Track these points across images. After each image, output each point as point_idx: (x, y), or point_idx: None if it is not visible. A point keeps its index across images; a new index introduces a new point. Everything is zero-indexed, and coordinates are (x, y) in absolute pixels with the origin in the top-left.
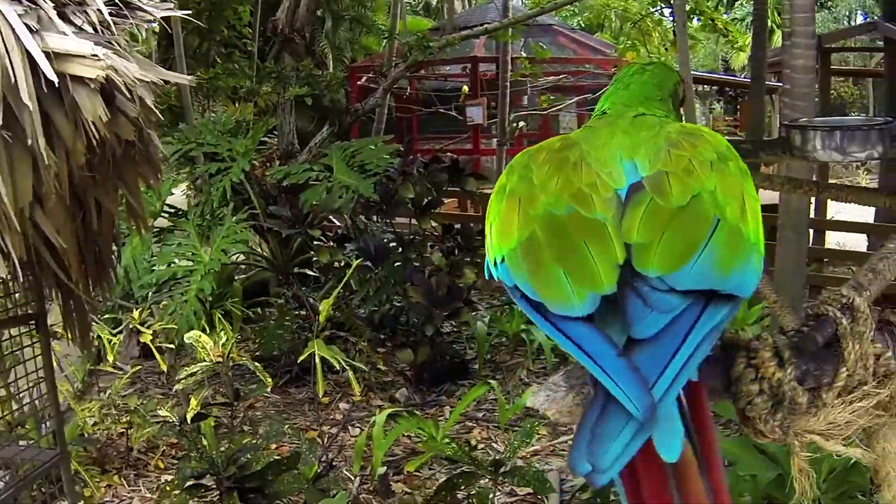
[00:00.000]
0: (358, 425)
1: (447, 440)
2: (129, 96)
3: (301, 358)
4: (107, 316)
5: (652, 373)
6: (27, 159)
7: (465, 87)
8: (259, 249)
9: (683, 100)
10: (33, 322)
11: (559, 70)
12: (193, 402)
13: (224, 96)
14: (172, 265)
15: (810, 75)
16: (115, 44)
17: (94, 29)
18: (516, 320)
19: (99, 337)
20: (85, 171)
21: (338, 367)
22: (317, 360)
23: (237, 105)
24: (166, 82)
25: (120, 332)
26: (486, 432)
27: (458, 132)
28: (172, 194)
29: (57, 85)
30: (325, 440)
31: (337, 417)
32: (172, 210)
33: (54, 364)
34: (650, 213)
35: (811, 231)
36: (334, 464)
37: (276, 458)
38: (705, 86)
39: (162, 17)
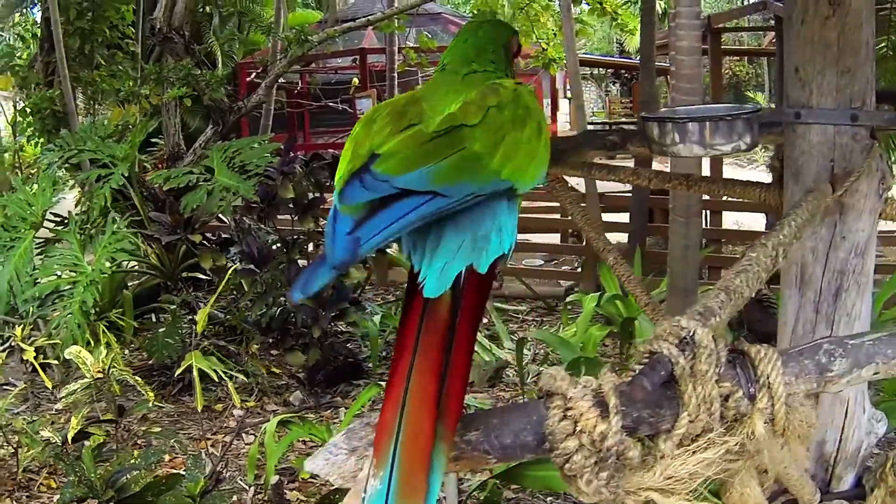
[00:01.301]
0: (252, 432)
1: None
2: None
3: (178, 371)
4: None
5: (364, 235)
6: None
7: (355, 80)
8: (148, 256)
9: (518, 51)
10: None
11: None
12: (74, 421)
13: (111, 99)
14: (55, 277)
15: (695, 56)
16: None
17: None
18: None
19: None
20: None
21: (216, 379)
22: (195, 372)
23: (123, 107)
24: (50, 84)
25: (5, 349)
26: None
27: (350, 125)
28: (54, 203)
29: None
30: (220, 450)
31: (231, 425)
32: (60, 218)
33: None
34: (409, 136)
35: (707, 212)
36: (228, 474)
37: (155, 477)
38: (601, 69)
39: (43, 19)
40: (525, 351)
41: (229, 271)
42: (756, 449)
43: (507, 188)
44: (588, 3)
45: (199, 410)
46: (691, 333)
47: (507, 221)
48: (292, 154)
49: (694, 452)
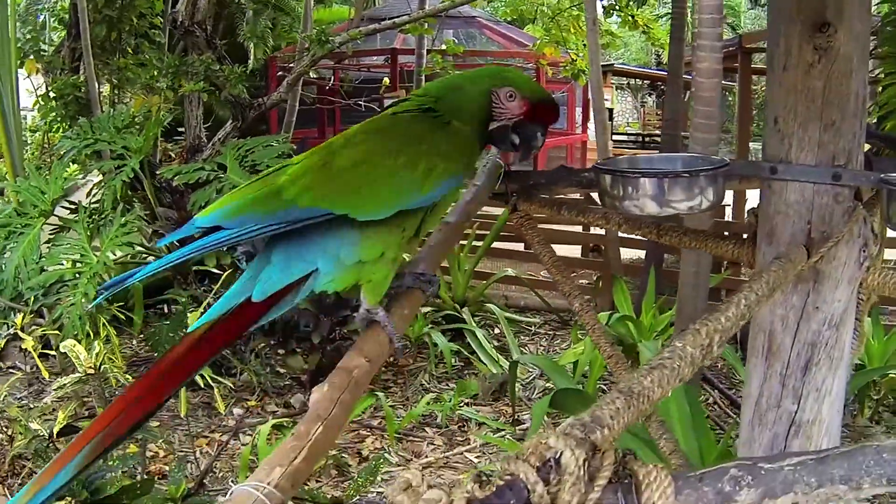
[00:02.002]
0: (250, 433)
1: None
2: None
3: None
4: None
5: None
6: None
7: (386, 80)
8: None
9: (493, 110)
10: None
11: (482, 62)
12: (61, 415)
13: (136, 88)
14: (61, 267)
15: (714, 79)
16: None
17: None
18: (418, 324)
19: None
20: None
21: (202, 386)
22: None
23: (148, 96)
24: (75, 70)
25: (8, 335)
26: (379, 441)
27: None
28: (79, 185)
29: None
30: (216, 448)
31: (230, 423)
32: (75, 205)
33: None
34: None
35: (727, 232)
36: (221, 475)
37: (132, 481)
38: (637, 79)
39: (71, 5)
40: (531, 367)
41: (225, 274)
42: None
43: (325, 214)
44: (619, 16)
45: (182, 416)
46: (557, 455)
47: (331, 247)
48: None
49: None
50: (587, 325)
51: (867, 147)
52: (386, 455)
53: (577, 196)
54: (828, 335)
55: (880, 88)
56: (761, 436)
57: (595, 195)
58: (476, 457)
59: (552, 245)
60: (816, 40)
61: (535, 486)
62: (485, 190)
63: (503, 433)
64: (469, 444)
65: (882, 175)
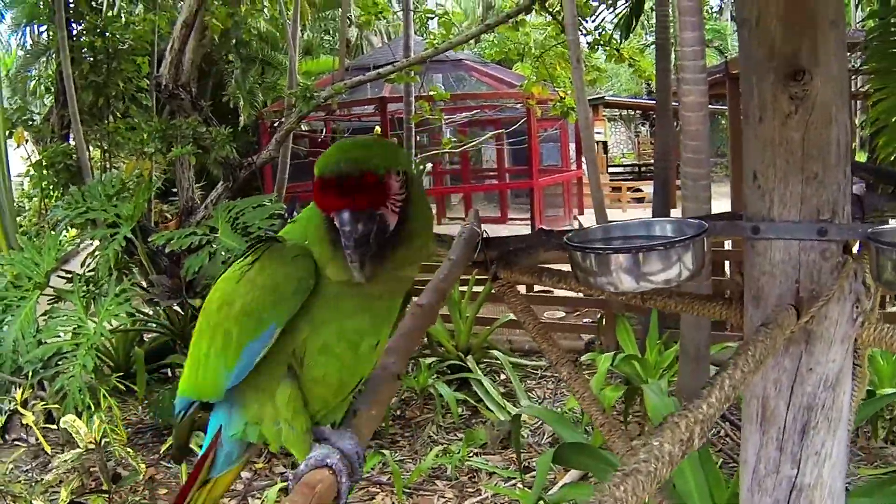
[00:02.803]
0: (258, 496)
1: None
2: None
3: (165, 446)
4: None
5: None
6: None
7: (377, 128)
8: (158, 315)
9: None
10: None
11: (473, 105)
12: (63, 493)
13: (125, 151)
14: (58, 339)
15: (701, 112)
16: None
17: None
18: (423, 374)
19: None
20: None
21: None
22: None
23: (138, 160)
24: (64, 137)
25: (8, 410)
26: (389, 498)
27: None
28: (74, 252)
29: None
30: None
31: (238, 487)
32: (71, 274)
33: None
34: None
35: (728, 262)
36: None
37: None
38: (630, 110)
39: (57, 72)
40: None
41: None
42: None
43: (192, 403)
44: (605, 51)
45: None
46: None
47: (213, 428)
48: (294, 215)
49: None
50: (577, 392)
51: (857, 185)
52: None
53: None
54: (824, 397)
55: (871, 103)
56: (762, 501)
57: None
58: None
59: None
60: (791, 89)
61: None
62: (461, 263)
63: (514, 482)
64: (480, 494)
65: (871, 229)
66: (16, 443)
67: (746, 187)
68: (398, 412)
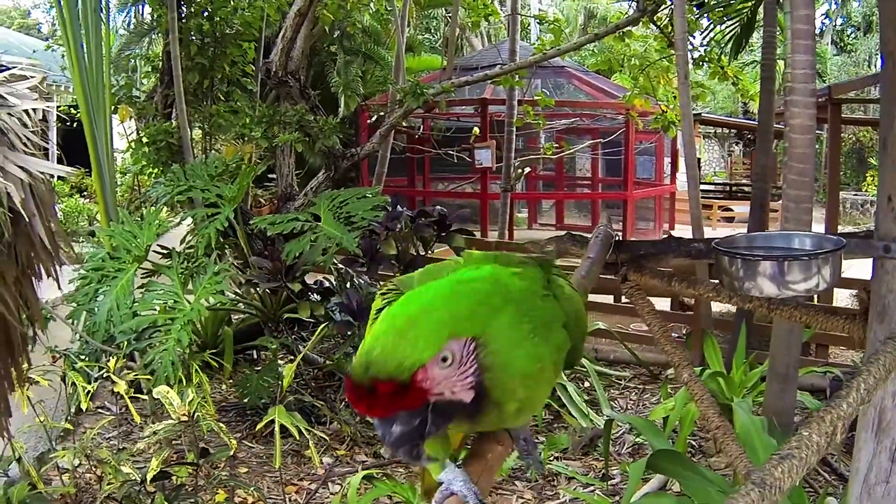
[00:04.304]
0: (339, 481)
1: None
2: None
3: (259, 426)
4: (86, 362)
5: None
6: None
7: (476, 130)
8: (251, 293)
9: None
10: None
11: (572, 112)
12: (154, 462)
13: (227, 134)
14: (153, 312)
15: (808, 136)
16: None
17: None
18: None
19: (74, 384)
20: None
21: (297, 437)
22: (276, 427)
23: (240, 144)
24: (167, 116)
25: (99, 376)
26: None
27: (470, 173)
28: (169, 229)
29: None
30: (304, 496)
31: (319, 472)
32: (167, 250)
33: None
34: None
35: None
36: None
37: None
38: (724, 129)
39: (164, 52)
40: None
41: (322, 326)
42: None
43: None
44: (709, 67)
45: (277, 467)
46: None
47: None
48: (398, 209)
49: None
50: (695, 395)
51: None
52: None
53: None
54: None
55: None
56: None
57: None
58: None
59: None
60: None
61: None
62: (599, 262)
63: (592, 488)
64: (558, 498)
65: None
66: (99, 411)
67: (880, 210)
68: None
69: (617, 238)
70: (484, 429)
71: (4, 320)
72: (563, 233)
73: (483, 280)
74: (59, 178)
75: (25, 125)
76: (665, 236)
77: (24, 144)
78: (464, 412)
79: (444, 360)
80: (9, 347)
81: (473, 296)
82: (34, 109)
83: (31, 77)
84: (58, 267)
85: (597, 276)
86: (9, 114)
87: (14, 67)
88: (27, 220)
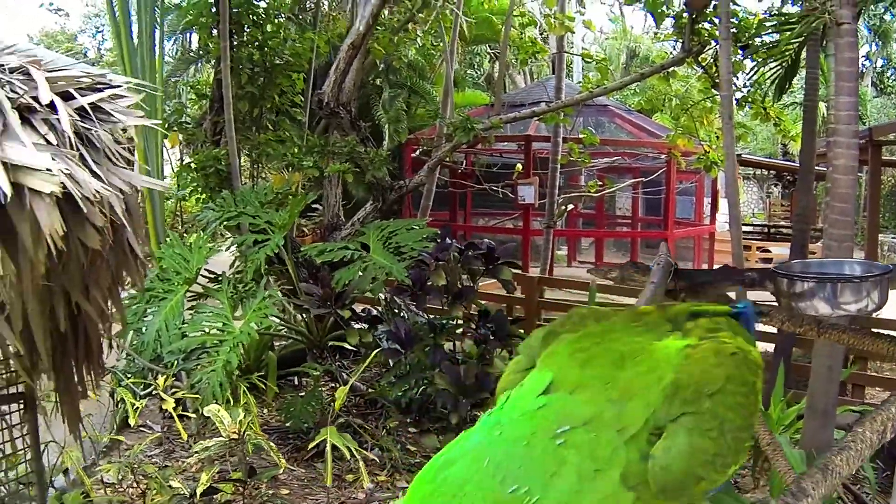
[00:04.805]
0: None
1: None
2: (94, 205)
3: (311, 445)
4: (134, 378)
5: None
6: None
7: (519, 166)
8: (297, 321)
9: None
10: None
11: (614, 151)
12: (204, 477)
13: (274, 163)
14: (202, 333)
15: (850, 176)
16: (84, 151)
17: (61, 137)
18: None
19: (122, 401)
20: (46, 280)
21: (348, 455)
22: (328, 447)
23: (287, 172)
24: (216, 142)
25: (147, 394)
26: None
27: (512, 209)
28: (216, 252)
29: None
30: None
31: (359, 496)
32: (213, 275)
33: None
34: None
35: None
36: None
37: None
38: (763, 170)
39: (215, 80)
40: None
41: (374, 352)
42: None
43: None
44: (752, 108)
45: (329, 484)
46: None
47: None
48: (448, 241)
49: None
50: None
51: None
52: None
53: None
54: None
55: None
56: None
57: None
58: None
59: None
60: None
61: None
62: (661, 286)
63: None
64: None
65: None
66: (141, 429)
67: None
68: None
69: (676, 266)
70: None
71: (88, 328)
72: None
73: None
74: None
75: (118, 141)
76: (721, 266)
77: (117, 158)
78: None
79: None
80: (88, 354)
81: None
82: (132, 126)
83: (127, 96)
84: (143, 282)
85: (661, 299)
86: (107, 130)
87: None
88: (123, 230)
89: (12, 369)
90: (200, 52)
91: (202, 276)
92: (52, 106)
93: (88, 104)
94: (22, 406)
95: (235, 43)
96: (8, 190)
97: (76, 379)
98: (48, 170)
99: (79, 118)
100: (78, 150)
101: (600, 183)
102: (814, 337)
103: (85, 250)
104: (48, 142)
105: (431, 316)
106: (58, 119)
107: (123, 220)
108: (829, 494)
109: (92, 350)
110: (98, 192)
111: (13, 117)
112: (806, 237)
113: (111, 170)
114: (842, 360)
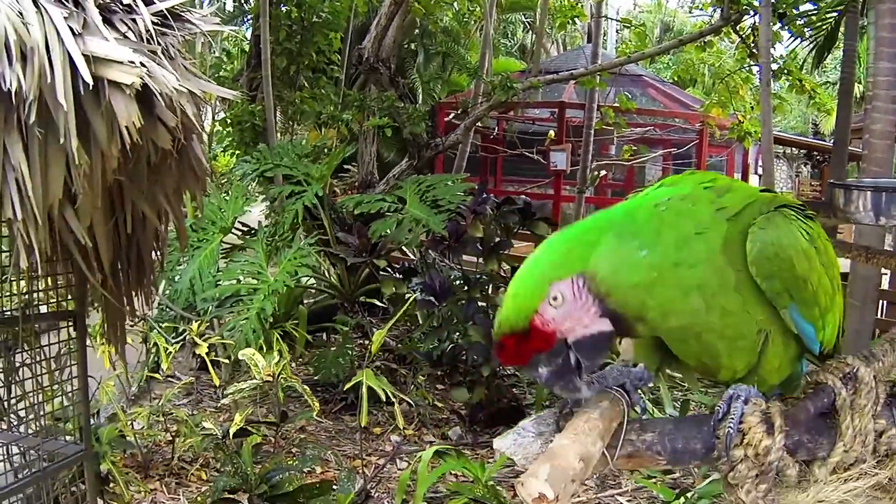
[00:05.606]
0: (406, 459)
1: (490, 483)
2: (167, 105)
3: (347, 386)
4: (166, 325)
5: None
6: (61, 158)
7: (551, 133)
8: (328, 276)
9: None
10: (72, 319)
11: (646, 122)
12: (238, 417)
13: (309, 120)
14: (237, 282)
15: (887, 141)
16: (160, 53)
17: (140, 38)
18: None
19: (156, 345)
20: (119, 175)
21: (384, 399)
22: (363, 389)
23: (322, 130)
24: (252, 98)
25: (179, 342)
26: None
27: (542, 177)
28: (246, 212)
29: (94, 88)
30: (372, 470)
31: (387, 449)
32: (246, 228)
33: (109, 366)
34: None
35: (884, 302)
36: (377, 495)
37: (310, 482)
38: (793, 149)
39: (253, 37)
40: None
41: (409, 301)
42: None
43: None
44: (788, 80)
45: (362, 427)
46: (855, 370)
47: None
48: (485, 195)
49: (845, 481)
50: None
51: None
52: None
53: None
54: None
55: None
56: None
57: None
58: (627, 500)
59: None
60: None
61: (841, 391)
62: None
63: (654, 479)
64: (620, 487)
65: None
66: (169, 380)
67: None
68: (546, 402)
69: None
70: (690, 363)
71: (141, 244)
72: None
73: (608, 213)
74: None
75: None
76: None
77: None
78: (619, 335)
79: (555, 299)
80: (140, 271)
81: (569, 238)
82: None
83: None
84: (203, 195)
85: None
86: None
87: None
88: (190, 137)
89: (60, 285)
90: (235, 12)
91: (235, 232)
92: (130, 10)
93: (166, 9)
94: (71, 323)
95: (275, 0)
96: (89, 79)
97: (125, 299)
98: (130, 62)
99: (157, 22)
100: (157, 48)
101: (634, 148)
102: (862, 262)
103: (155, 150)
104: (127, 39)
105: (466, 270)
106: (136, 18)
107: (194, 123)
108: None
109: (144, 268)
110: (175, 89)
111: (95, 14)
112: None
113: (184, 75)
114: (872, 328)
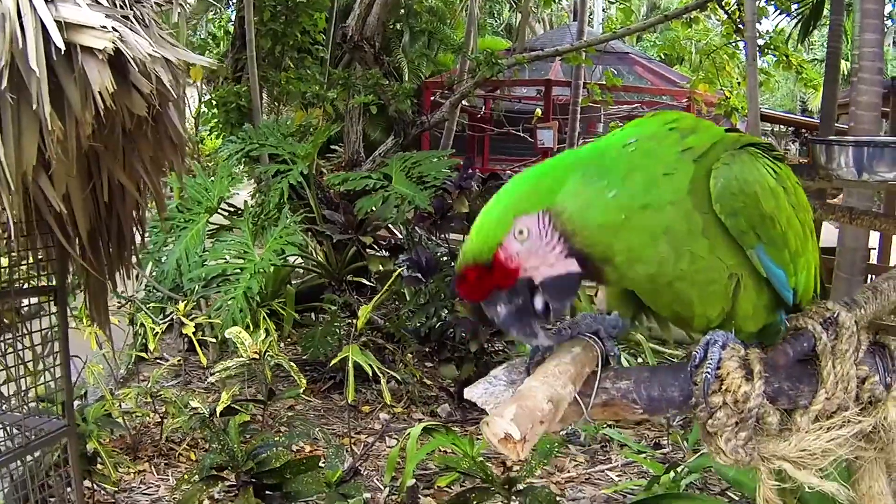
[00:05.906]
0: (395, 437)
1: (479, 458)
2: (141, 71)
3: (334, 361)
4: (153, 306)
5: None
6: (35, 124)
7: (538, 111)
8: (315, 254)
9: None
10: (52, 294)
11: (633, 99)
12: (225, 396)
13: (295, 101)
14: (224, 262)
15: (874, 113)
16: (133, 19)
17: (113, 3)
18: None
19: (143, 326)
20: (94, 142)
21: (371, 375)
22: (350, 364)
23: (307, 110)
24: (237, 80)
25: (166, 322)
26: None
27: (529, 154)
28: (234, 194)
29: (67, 54)
30: (361, 448)
31: (375, 427)
32: (232, 209)
33: (97, 348)
34: None
35: (872, 276)
36: (366, 472)
37: (297, 458)
38: (781, 126)
39: (237, 18)
40: None
41: (394, 275)
42: (889, 438)
43: None
44: (775, 56)
45: (350, 403)
46: (836, 315)
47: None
48: (471, 170)
49: (828, 429)
50: None
51: None
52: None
53: None
54: None
55: None
56: None
57: None
58: (617, 475)
59: None
60: None
61: (821, 335)
62: None
63: (644, 455)
64: (610, 462)
65: None
66: (157, 361)
67: None
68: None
69: None
70: (663, 313)
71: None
72: None
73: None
74: None
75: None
76: None
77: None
78: (587, 278)
79: (521, 233)
80: (121, 242)
81: (537, 174)
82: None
83: None
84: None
85: None
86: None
87: None
88: (166, 105)
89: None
90: None
91: (220, 213)
92: None
93: None
94: (52, 298)
95: None
96: (61, 44)
97: (107, 271)
98: (102, 27)
99: None
100: (129, 14)
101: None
102: (846, 223)
103: (130, 117)
104: (100, 5)
105: (452, 247)
106: None
107: (170, 89)
108: (876, 313)
109: (125, 242)
110: (150, 55)
111: None
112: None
113: (159, 42)
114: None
